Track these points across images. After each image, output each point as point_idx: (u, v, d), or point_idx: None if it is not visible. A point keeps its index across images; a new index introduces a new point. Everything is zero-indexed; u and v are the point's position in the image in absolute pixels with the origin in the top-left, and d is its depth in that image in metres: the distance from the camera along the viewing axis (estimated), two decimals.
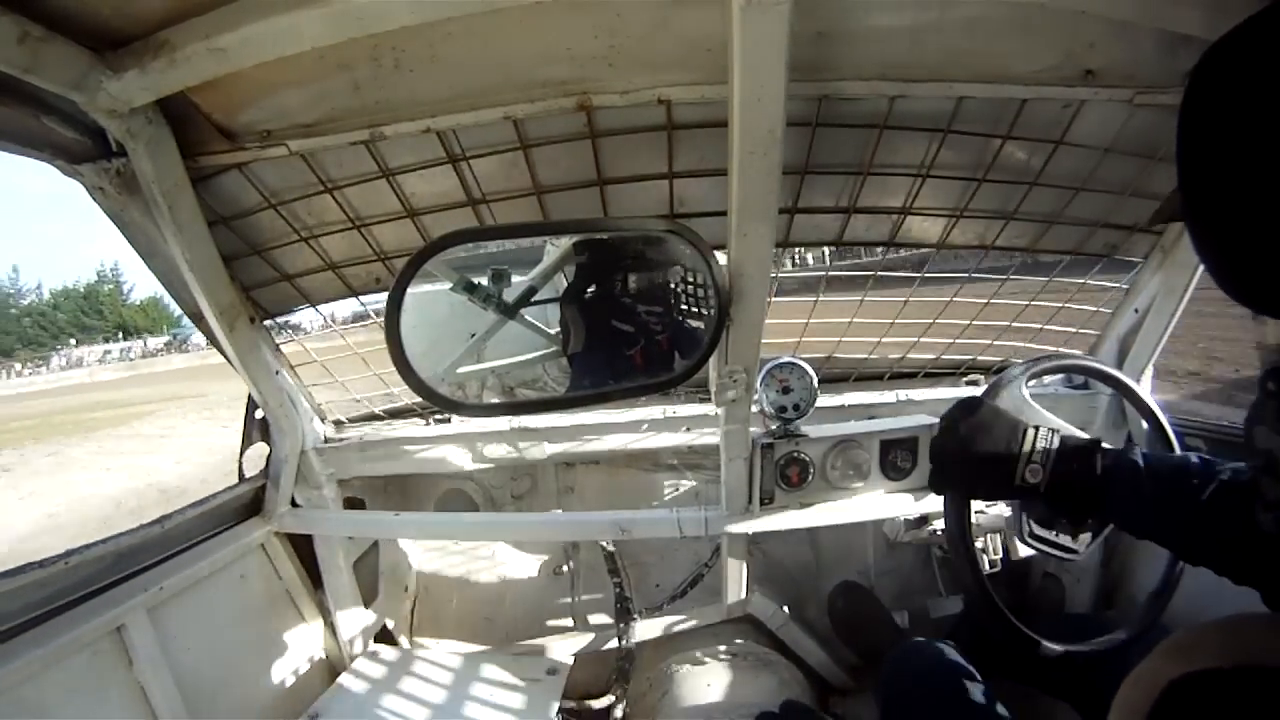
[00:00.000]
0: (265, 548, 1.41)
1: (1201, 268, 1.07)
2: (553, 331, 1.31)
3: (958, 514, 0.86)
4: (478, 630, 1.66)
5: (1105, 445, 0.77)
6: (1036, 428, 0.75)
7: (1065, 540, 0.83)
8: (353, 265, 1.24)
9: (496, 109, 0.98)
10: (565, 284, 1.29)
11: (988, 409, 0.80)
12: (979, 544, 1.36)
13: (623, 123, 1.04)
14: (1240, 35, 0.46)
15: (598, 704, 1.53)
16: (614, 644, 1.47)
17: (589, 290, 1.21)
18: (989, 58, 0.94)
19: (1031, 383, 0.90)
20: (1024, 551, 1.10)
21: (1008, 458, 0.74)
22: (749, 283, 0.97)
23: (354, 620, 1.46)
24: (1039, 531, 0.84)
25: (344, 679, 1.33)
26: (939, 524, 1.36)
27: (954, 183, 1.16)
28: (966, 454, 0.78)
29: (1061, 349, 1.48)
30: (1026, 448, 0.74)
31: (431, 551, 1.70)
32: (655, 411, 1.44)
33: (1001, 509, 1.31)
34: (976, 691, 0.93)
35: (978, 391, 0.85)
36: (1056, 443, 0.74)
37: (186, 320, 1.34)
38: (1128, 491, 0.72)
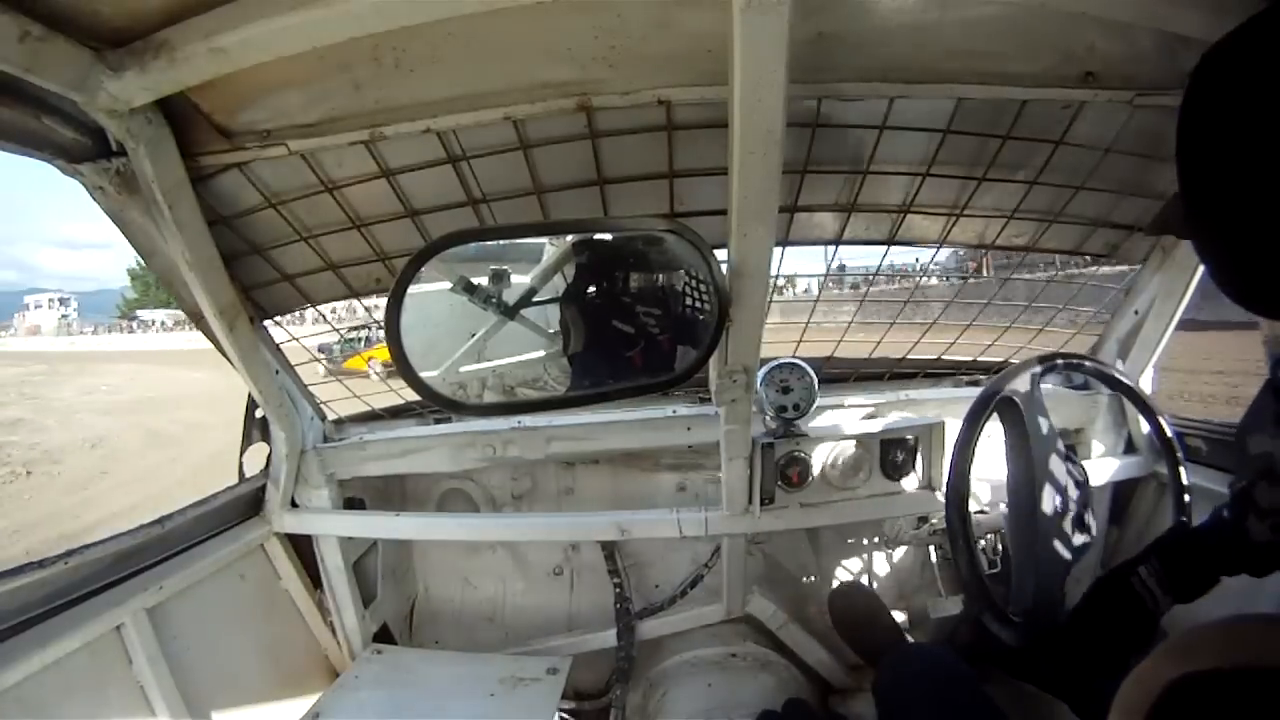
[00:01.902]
0: (265, 548, 1.40)
1: (1201, 269, 1.07)
2: (553, 331, 1.31)
3: (959, 513, 0.86)
4: (477, 630, 1.66)
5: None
6: (1136, 571, 0.77)
7: None
8: (353, 265, 1.24)
9: (497, 109, 0.98)
10: (565, 284, 1.29)
11: (1081, 611, 0.83)
12: (979, 544, 1.36)
13: (623, 123, 1.04)
14: (1240, 37, 0.46)
15: (598, 704, 1.53)
16: (614, 644, 1.47)
17: (589, 290, 1.21)
18: (989, 58, 0.94)
19: (1055, 376, 0.90)
20: None
21: (1141, 619, 0.76)
22: (749, 283, 0.97)
23: (354, 620, 1.45)
24: None
25: (344, 679, 1.33)
26: (939, 524, 1.36)
27: (954, 182, 1.16)
28: (1101, 652, 0.81)
29: (1061, 350, 1.49)
30: (1145, 594, 0.75)
31: (431, 551, 1.70)
32: (655, 411, 1.44)
33: (1002, 510, 1.31)
34: (975, 694, 0.93)
35: None
36: (1158, 564, 0.75)
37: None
38: (1237, 552, 0.70)
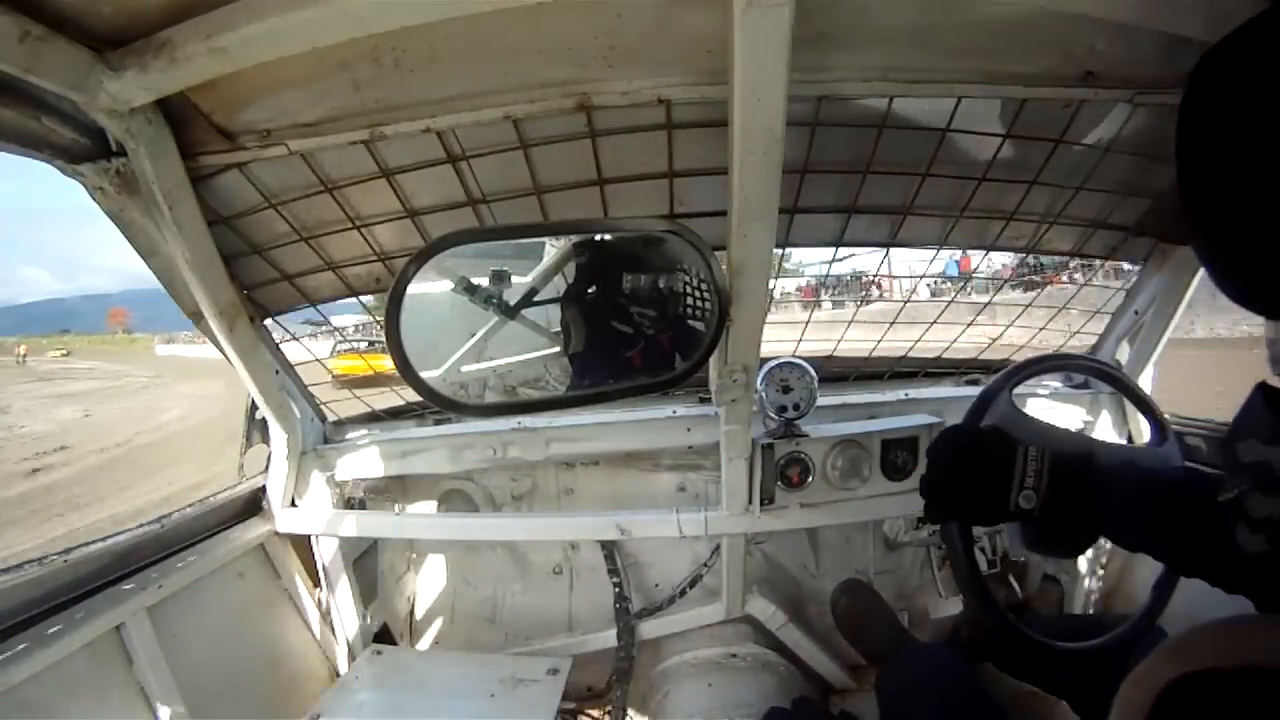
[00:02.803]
0: (265, 547, 1.40)
1: (1202, 269, 1.07)
2: (553, 332, 1.31)
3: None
4: (477, 630, 1.66)
5: (1099, 452, 0.75)
6: (1027, 449, 0.73)
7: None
8: (353, 265, 1.24)
9: (496, 109, 0.98)
10: (565, 284, 1.29)
11: (973, 435, 0.79)
12: (977, 544, 1.36)
13: (623, 122, 1.04)
14: (1240, 37, 0.46)
15: (598, 704, 1.53)
16: (614, 644, 1.47)
17: (589, 290, 1.21)
18: (989, 58, 0.94)
19: (1020, 389, 0.89)
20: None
21: (999, 484, 0.72)
22: (749, 283, 0.97)
23: (354, 620, 1.45)
24: (1032, 554, 0.83)
25: (344, 679, 1.33)
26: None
27: (954, 182, 1.16)
28: (956, 484, 0.76)
29: (1061, 350, 1.49)
30: (1017, 471, 0.72)
31: (431, 551, 1.70)
32: (655, 411, 1.44)
33: None
34: (977, 694, 0.93)
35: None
36: (1048, 463, 0.72)
37: None
38: (1121, 510, 0.71)
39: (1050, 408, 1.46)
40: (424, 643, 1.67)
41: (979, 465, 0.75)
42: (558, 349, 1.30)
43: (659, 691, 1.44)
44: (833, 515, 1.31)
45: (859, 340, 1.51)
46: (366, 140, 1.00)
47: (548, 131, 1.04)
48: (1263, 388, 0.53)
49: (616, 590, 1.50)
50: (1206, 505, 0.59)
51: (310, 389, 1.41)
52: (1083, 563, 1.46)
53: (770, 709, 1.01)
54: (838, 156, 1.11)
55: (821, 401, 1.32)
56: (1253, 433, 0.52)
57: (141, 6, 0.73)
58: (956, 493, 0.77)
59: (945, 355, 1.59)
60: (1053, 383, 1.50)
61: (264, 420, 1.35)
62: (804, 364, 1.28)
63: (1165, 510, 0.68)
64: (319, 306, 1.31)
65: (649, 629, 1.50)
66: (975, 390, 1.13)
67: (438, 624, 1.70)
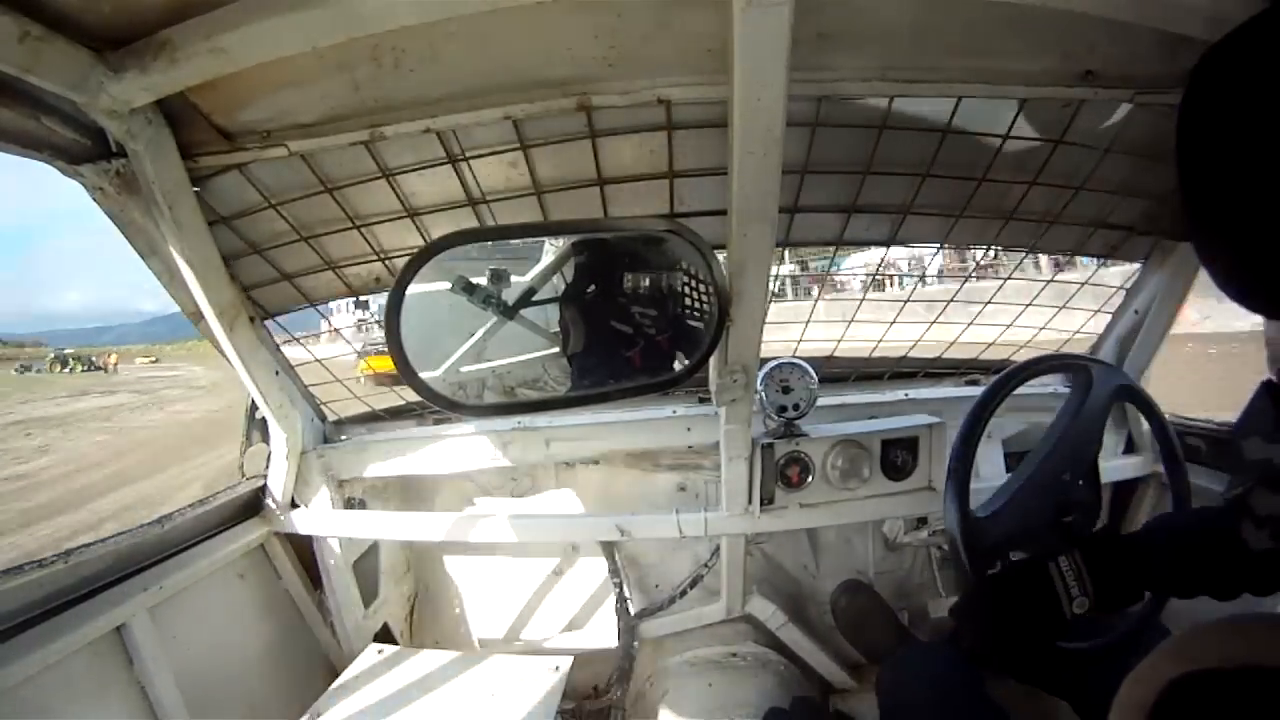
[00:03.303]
0: (265, 548, 1.40)
1: (1202, 268, 1.07)
2: (553, 332, 1.31)
3: (959, 513, 0.86)
4: (477, 630, 1.66)
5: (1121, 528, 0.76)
6: (1057, 561, 0.72)
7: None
8: (353, 265, 1.24)
9: (496, 109, 0.97)
10: (565, 284, 1.29)
11: (995, 584, 0.77)
12: None
13: (623, 123, 1.04)
14: (1240, 37, 0.46)
15: (598, 704, 1.53)
16: (614, 644, 1.47)
17: (589, 290, 1.21)
18: (989, 58, 0.94)
19: (1020, 389, 0.89)
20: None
21: (1049, 610, 0.72)
22: (749, 283, 0.97)
23: (354, 620, 1.45)
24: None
25: (344, 679, 1.32)
26: (939, 524, 1.36)
27: (954, 182, 1.16)
28: (1011, 635, 0.75)
29: (1061, 350, 1.49)
30: (1060, 588, 0.71)
31: (431, 551, 1.70)
32: (655, 412, 1.44)
33: None
34: (977, 694, 0.93)
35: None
36: (1083, 563, 0.72)
37: None
38: (1167, 567, 0.71)
39: (1049, 406, 1.46)
40: (424, 643, 1.67)
41: (1021, 606, 0.74)
42: (557, 349, 1.30)
43: (659, 691, 1.44)
44: (833, 515, 1.31)
45: (859, 340, 1.51)
46: (366, 140, 1.00)
47: (548, 131, 1.04)
48: (1268, 385, 0.53)
49: (617, 590, 1.50)
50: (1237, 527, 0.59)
51: (310, 389, 1.41)
52: None
53: (770, 709, 1.01)
54: (838, 156, 1.11)
55: (821, 402, 1.32)
56: (1257, 430, 0.53)
57: (141, 6, 0.72)
58: (1015, 641, 0.76)
59: (945, 355, 1.58)
60: (1053, 383, 1.50)
61: (264, 420, 1.35)
62: (804, 364, 1.28)
63: (1207, 550, 0.68)
64: (319, 306, 1.31)
65: (649, 629, 1.50)
66: (975, 390, 1.13)
67: (438, 624, 1.70)
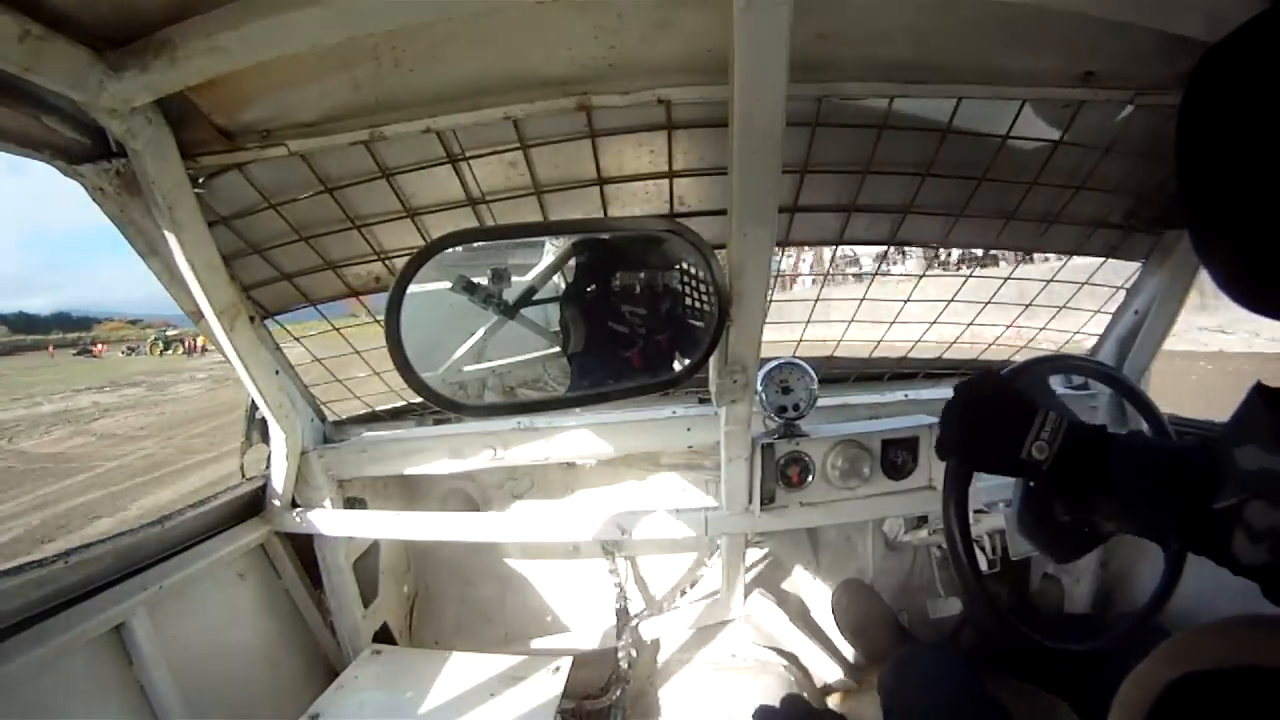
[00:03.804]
0: (265, 547, 1.40)
1: (1202, 268, 1.07)
2: (553, 331, 1.31)
3: (958, 513, 0.85)
4: (477, 630, 1.66)
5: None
6: (1047, 410, 0.74)
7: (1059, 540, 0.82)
8: (353, 264, 1.24)
9: (496, 109, 0.97)
10: (565, 284, 1.29)
11: (998, 385, 0.79)
12: (977, 543, 1.36)
13: (623, 122, 1.04)
14: (1240, 37, 0.46)
15: (598, 704, 1.53)
16: (614, 644, 1.47)
17: (589, 290, 1.21)
18: (989, 58, 0.94)
19: (1055, 376, 0.89)
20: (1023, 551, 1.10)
21: (1016, 432, 0.73)
22: (749, 283, 0.97)
23: (354, 620, 1.45)
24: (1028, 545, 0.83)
25: (344, 679, 1.32)
26: (938, 524, 1.36)
27: (954, 182, 1.16)
28: (976, 422, 0.77)
29: (1061, 351, 1.49)
30: (1035, 424, 0.73)
31: (431, 551, 1.70)
32: (655, 412, 1.44)
33: (999, 509, 1.31)
34: (978, 695, 0.93)
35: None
36: (1065, 424, 0.73)
37: None
38: (1128, 473, 0.69)
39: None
40: (423, 643, 1.67)
41: (1000, 410, 0.75)
42: (557, 349, 1.30)
43: (659, 691, 1.45)
44: (833, 515, 1.31)
45: (859, 341, 1.51)
46: (366, 140, 1.00)
47: (548, 131, 1.04)
48: (1260, 389, 0.52)
49: (617, 590, 1.50)
50: (1216, 471, 0.56)
51: (310, 389, 1.41)
52: (1083, 563, 1.46)
53: (759, 707, 1.02)
54: (838, 156, 1.11)
55: (821, 402, 1.32)
56: (1252, 438, 0.51)
57: (142, 6, 0.72)
58: (973, 431, 0.77)
59: (945, 356, 1.59)
60: (1052, 384, 1.50)
61: (264, 420, 1.35)
62: (804, 364, 1.28)
63: (1173, 474, 0.66)
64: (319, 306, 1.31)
65: (649, 629, 1.50)
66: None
67: (438, 624, 1.70)
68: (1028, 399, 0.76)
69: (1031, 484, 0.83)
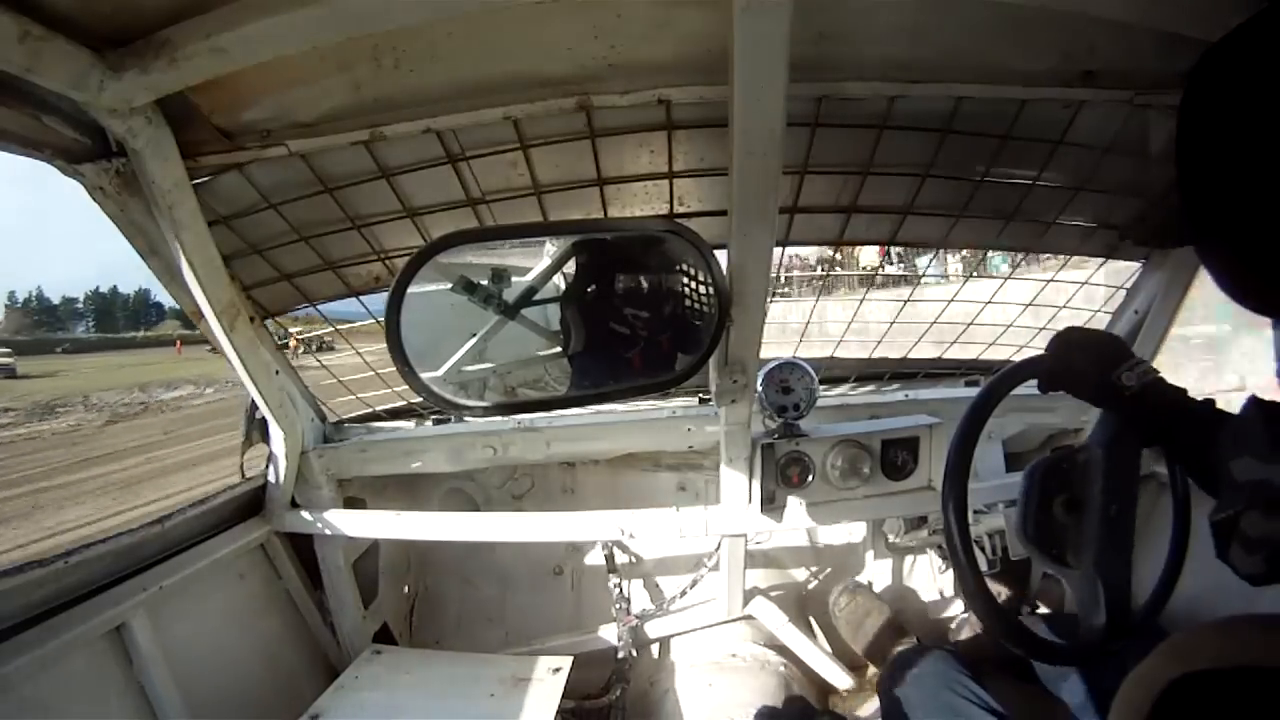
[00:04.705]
0: (265, 547, 1.40)
1: (1201, 268, 1.07)
2: (553, 331, 1.31)
3: (957, 513, 0.86)
4: (477, 630, 1.66)
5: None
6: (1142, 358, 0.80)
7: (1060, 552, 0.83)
8: (353, 265, 1.24)
9: (496, 109, 0.98)
10: (565, 284, 1.29)
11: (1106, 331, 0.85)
12: (977, 543, 1.36)
13: (623, 122, 1.04)
14: (1240, 37, 0.46)
15: (598, 704, 1.53)
16: (614, 644, 1.47)
17: (589, 290, 1.21)
18: (989, 58, 0.94)
19: (1019, 389, 0.90)
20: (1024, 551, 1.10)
21: (1114, 358, 0.78)
22: (749, 283, 0.97)
23: (354, 620, 1.45)
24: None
25: (344, 679, 1.32)
26: (938, 524, 1.36)
27: (954, 183, 1.16)
28: (1083, 342, 0.82)
29: None
30: (1131, 360, 0.79)
31: (431, 551, 1.70)
32: (655, 412, 1.44)
33: (1001, 510, 1.31)
34: (978, 695, 0.93)
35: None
36: (1155, 373, 0.78)
37: None
38: (1201, 436, 0.70)
39: (1049, 408, 1.46)
40: (423, 643, 1.67)
41: (1103, 341, 0.83)
42: (558, 349, 1.30)
43: (659, 691, 1.45)
44: (833, 515, 1.31)
45: (859, 341, 1.51)
46: (366, 140, 1.00)
47: (548, 131, 1.04)
48: (1255, 401, 0.52)
49: (617, 590, 1.50)
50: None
51: (310, 389, 1.41)
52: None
53: (761, 708, 1.02)
54: (838, 156, 1.11)
55: (821, 402, 1.32)
56: (1248, 450, 0.51)
57: (142, 6, 0.72)
58: (1080, 349, 0.82)
59: (945, 356, 1.59)
60: None
61: (264, 420, 1.35)
62: (804, 364, 1.28)
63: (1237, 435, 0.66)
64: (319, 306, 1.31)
65: (649, 629, 1.50)
66: (975, 391, 1.13)
67: (438, 624, 1.70)
68: (1125, 343, 0.83)
69: (1110, 415, 0.83)
